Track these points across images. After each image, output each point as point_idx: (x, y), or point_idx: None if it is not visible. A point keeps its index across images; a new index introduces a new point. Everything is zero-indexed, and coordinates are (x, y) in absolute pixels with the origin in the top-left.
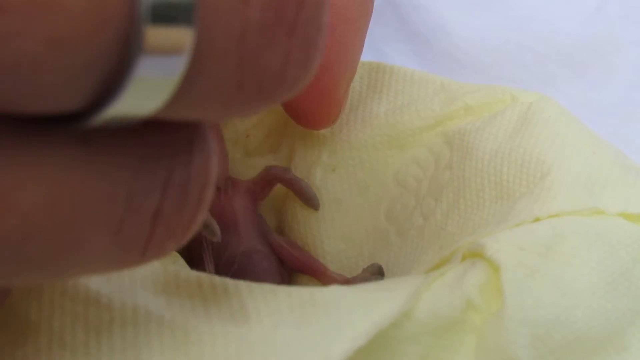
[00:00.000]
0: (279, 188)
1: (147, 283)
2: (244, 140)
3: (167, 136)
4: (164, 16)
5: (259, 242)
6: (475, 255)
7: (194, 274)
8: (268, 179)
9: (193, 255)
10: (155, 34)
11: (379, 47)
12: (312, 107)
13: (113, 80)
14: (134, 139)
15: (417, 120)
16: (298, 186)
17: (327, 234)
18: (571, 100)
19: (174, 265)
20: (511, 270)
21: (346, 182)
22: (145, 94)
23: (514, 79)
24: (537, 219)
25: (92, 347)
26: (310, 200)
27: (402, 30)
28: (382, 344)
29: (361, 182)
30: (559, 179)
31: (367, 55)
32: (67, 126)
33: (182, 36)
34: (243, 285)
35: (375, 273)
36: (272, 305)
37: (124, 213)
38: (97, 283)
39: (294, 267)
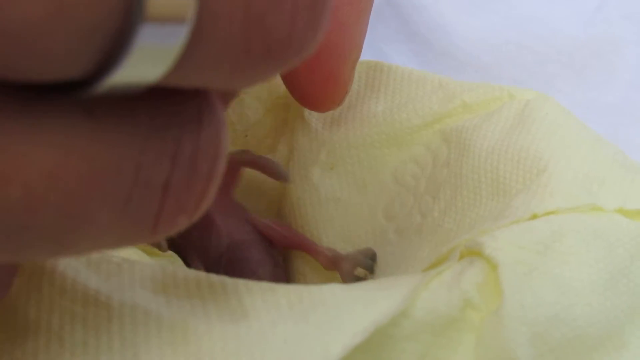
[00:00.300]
0: (274, 188)
1: (145, 282)
2: (242, 140)
3: (175, 106)
4: None
5: (242, 232)
6: (473, 253)
7: (192, 273)
8: (231, 167)
9: (180, 258)
10: (156, 4)
11: (379, 46)
12: (318, 89)
13: (115, 47)
14: (141, 108)
15: (415, 118)
16: (262, 164)
17: (325, 233)
18: (571, 100)
19: (172, 264)
20: (510, 268)
21: (344, 180)
22: (147, 61)
23: (514, 79)
24: (534, 216)
25: (91, 346)
26: (277, 175)
27: (402, 30)
28: (380, 342)
29: (359, 180)
30: (556, 176)
31: (367, 55)
32: (71, 95)
33: (185, 5)
34: (241, 283)
35: (368, 256)
36: (270, 303)
37: (132, 184)
38: (96, 282)
39: (283, 245)
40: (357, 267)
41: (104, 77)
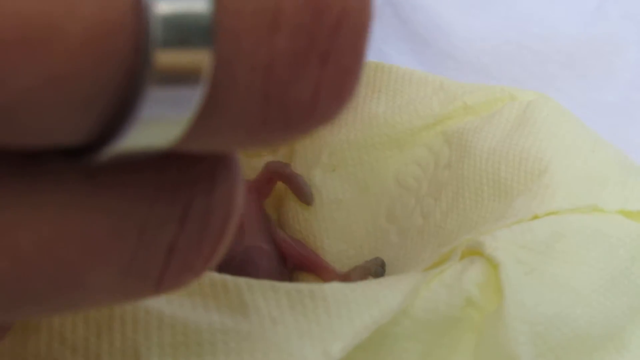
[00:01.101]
0: (276, 189)
1: None
2: None
3: (186, 163)
4: (177, 37)
5: (262, 240)
6: (474, 253)
7: None
8: (269, 176)
9: None
10: (166, 60)
11: (379, 47)
12: None
13: (120, 113)
14: (149, 167)
15: (416, 119)
16: (295, 182)
17: (327, 234)
18: (571, 100)
19: None
20: (510, 268)
21: (346, 182)
22: (155, 130)
23: (514, 79)
24: (535, 217)
25: (92, 344)
26: (305, 197)
27: (401, 30)
28: (381, 342)
29: (361, 182)
30: (557, 177)
31: (368, 55)
32: (70, 160)
33: (198, 62)
34: (242, 281)
35: (378, 265)
36: (271, 301)
37: (135, 248)
38: None
39: (296, 263)
40: (369, 275)
41: (106, 146)
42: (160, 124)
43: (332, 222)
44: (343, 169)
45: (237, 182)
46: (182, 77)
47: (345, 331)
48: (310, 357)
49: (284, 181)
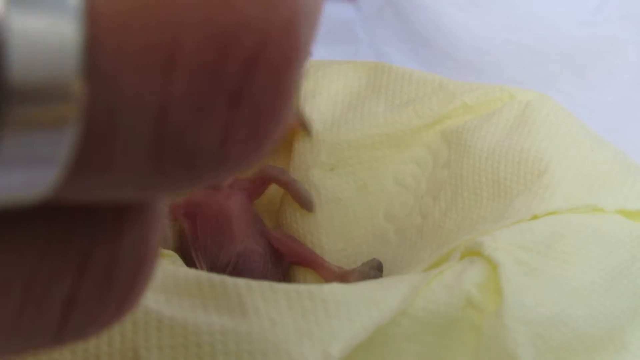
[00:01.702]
0: (275, 188)
1: None
2: None
3: (83, 212)
4: (33, 89)
5: (254, 242)
6: (474, 253)
7: (193, 272)
8: (264, 179)
9: (185, 257)
10: (21, 113)
11: (379, 46)
12: None
13: None
14: (37, 219)
15: (415, 119)
16: (294, 188)
17: (326, 233)
18: (571, 100)
19: (173, 264)
20: (510, 268)
21: (345, 181)
22: (17, 182)
23: (514, 78)
24: (534, 217)
25: (92, 346)
26: (305, 203)
27: (402, 30)
28: (381, 342)
29: (360, 181)
30: (556, 177)
31: (367, 55)
32: None
33: (60, 116)
34: (241, 282)
35: (374, 268)
36: (270, 302)
37: (22, 301)
38: None
39: (292, 259)
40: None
41: None
42: (22, 177)
43: (330, 221)
44: (342, 168)
45: (152, 227)
46: (41, 131)
47: (344, 332)
48: (310, 358)
49: (282, 187)
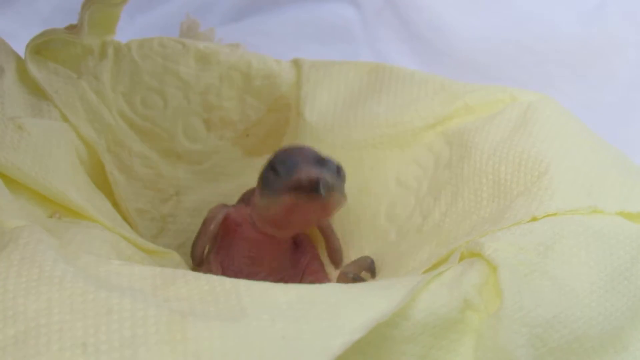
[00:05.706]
0: None
1: (145, 282)
2: (243, 140)
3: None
4: None
5: (278, 274)
6: (474, 254)
7: (192, 272)
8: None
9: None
10: None
11: (379, 47)
12: None
13: None
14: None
15: (417, 120)
16: (332, 240)
17: None
18: (571, 100)
19: (172, 264)
20: (509, 269)
21: (347, 181)
22: None
23: (514, 79)
24: (534, 218)
25: (90, 345)
26: (336, 260)
27: (402, 31)
28: (380, 344)
29: (361, 181)
30: (557, 178)
31: (368, 56)
32: None
33: None
34: (240, 282)
35: (364, 267)
36: (269, 301)
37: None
38: (95, 282)
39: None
40: (362, 270)
41: None
42: None
43: (332, 221)
44: (344, 168)
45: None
46: None
47: (342, 330)
48: (309, 358)
49: (322, 235)
